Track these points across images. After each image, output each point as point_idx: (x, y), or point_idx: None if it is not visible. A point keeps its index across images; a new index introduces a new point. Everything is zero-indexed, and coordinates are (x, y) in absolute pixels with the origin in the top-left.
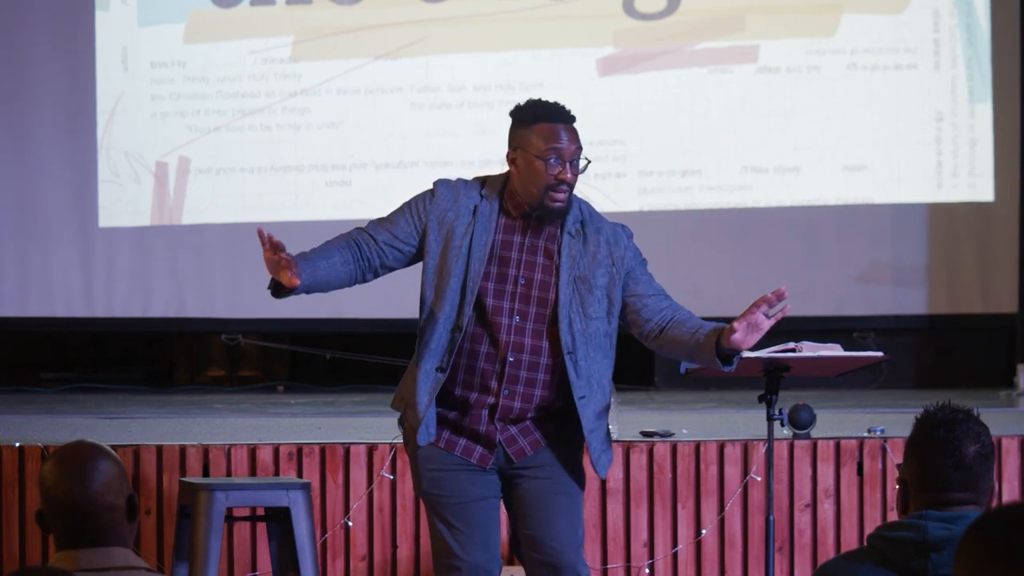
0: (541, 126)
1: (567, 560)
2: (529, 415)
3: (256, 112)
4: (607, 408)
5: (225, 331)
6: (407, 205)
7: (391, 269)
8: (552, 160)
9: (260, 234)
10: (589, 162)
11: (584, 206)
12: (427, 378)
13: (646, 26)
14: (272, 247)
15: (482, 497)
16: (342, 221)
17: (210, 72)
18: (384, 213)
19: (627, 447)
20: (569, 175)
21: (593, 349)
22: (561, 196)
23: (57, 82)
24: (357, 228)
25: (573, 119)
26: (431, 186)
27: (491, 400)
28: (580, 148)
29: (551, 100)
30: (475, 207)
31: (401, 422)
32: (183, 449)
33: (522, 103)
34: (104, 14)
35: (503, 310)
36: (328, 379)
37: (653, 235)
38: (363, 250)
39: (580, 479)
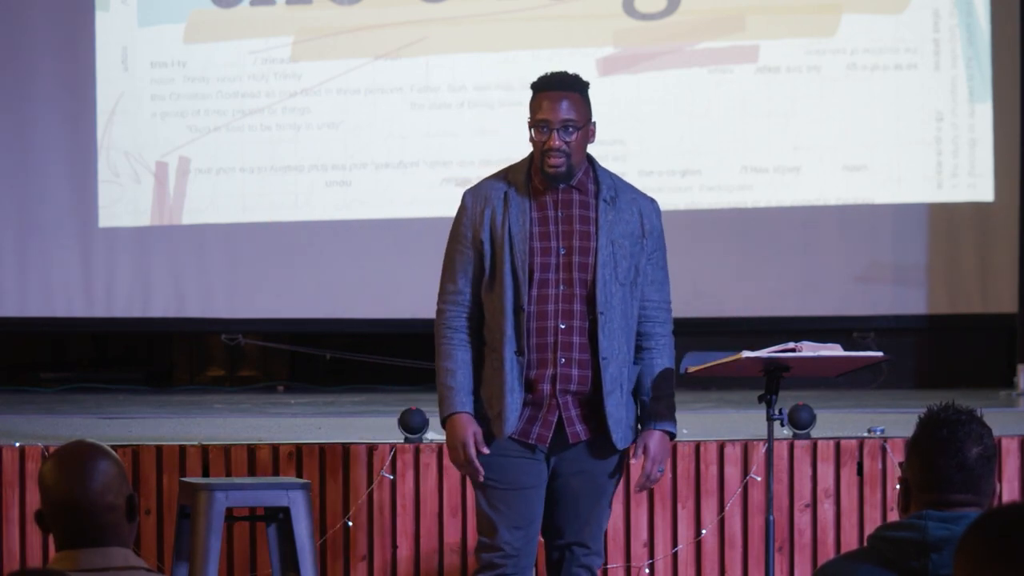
0: (535, 97)
1: (586, 551)
2: (588, 390)
3: (256, 112)
4: (628, 379)
5: (225, 331)
6: (455, 239)
7: None
8: (543, 128)
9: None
10: (582, 125)
11: (617, 179)
12: (512, 366)
13: (646, 26)
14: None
15: (531, 486)
16: (342, 221)
17: (210, 72)
18: (384, 213)
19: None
20: (556, 142)
21: (619, 316)
22: (554, 162)
23: (57, 82)
24: (448, 303)
25: (567, 86)
26: (460, 201)
27: (550, 371)
28: (571, 117)
29: (562, 71)
30: (505, 194)
31: (402, 419)
32: (183, 449)
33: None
34: (104, 14)
35: (550, 282)
36: (328, 379)
37: None
38: (472, 320)
39: (617, 478)
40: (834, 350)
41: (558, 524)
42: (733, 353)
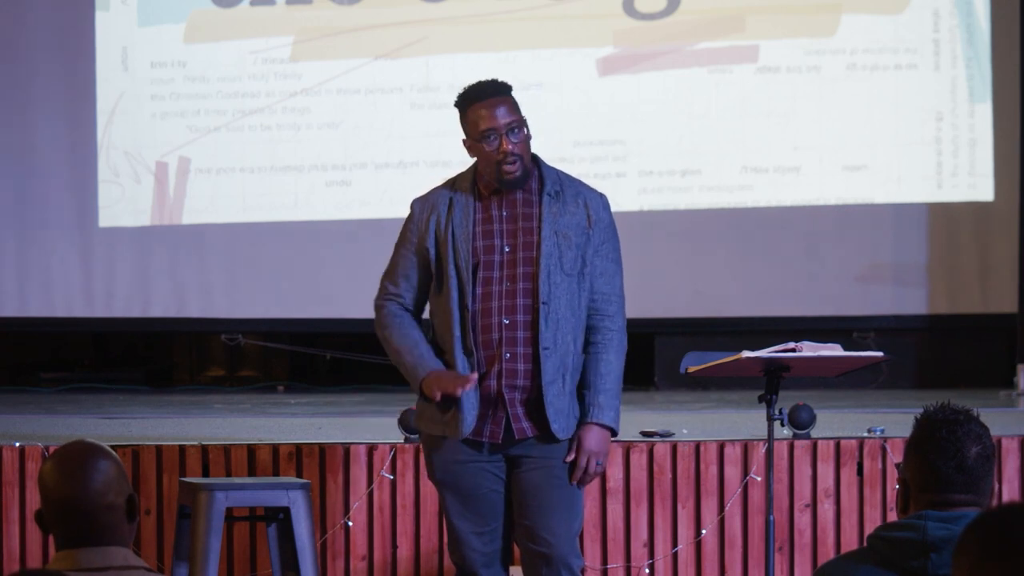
0: (473, 109)
1: (560, 552)
2: (532, 383)
3: (256, 112)
4: (571, 373)
5: (225, 331)
6: (401, 243)
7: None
8: (491, 139)
9: (468, 381)
10: (524, 123)
11: (564, 175)
12: (463, 366)
13: (646, 26)
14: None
15: (492, 489)
16: (342, 221)
17: (210, 72)
18: (384, 213)
19: (627, 447)
20: (509, 146)
21: (565, 307)
22: (511, 168)
23: (57, 82)
24: (387, 299)
25: (498, 91)
26: (409, 209)
27: (497, 367)
28: (514, 118)
29: (484, 79)
30: (450, 199)
31: (402, 419)
32: (183, 449)
33: (461, 91)
34: (104, 14)
35: (494, 279)
36: (328, 379)
37: (653, 235)
38: (417, 317)
39: None
40: (834, 350)
41: (525, 524)
42: (733, 353)
